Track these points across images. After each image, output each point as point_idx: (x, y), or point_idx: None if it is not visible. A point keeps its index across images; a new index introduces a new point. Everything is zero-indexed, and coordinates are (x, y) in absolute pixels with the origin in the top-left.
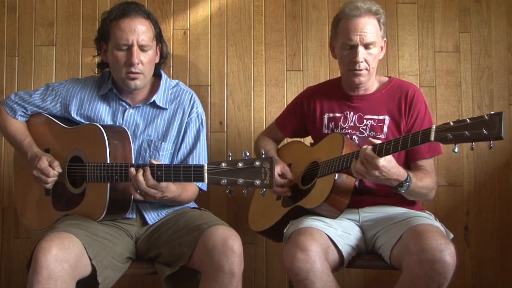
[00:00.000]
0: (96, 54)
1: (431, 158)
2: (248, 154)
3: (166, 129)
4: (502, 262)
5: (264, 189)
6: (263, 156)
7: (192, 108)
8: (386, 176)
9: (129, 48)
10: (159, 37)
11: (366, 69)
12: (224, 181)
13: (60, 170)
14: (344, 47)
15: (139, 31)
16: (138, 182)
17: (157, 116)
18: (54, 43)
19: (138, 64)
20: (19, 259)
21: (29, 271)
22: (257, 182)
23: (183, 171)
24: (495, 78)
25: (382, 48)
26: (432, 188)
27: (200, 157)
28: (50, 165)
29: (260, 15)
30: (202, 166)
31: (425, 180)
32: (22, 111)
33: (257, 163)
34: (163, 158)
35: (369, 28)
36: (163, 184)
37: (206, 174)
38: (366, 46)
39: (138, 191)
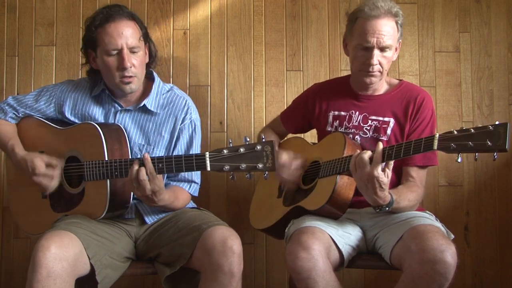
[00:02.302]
0: (84, 62)
1: (425, 168)
2: (248, 139)
3: (157, 134)
4: (502, 262)
5: (267, 173)
6: (263, 140)
7: (185, 114)
8: (372, 190)
9: (120, 52)
10: (146, 37)
11: (379, 71)
12: (227, 167)
13: (62, 164)
14: (359, 47)
15: (127, 34)
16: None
17: (148, 121)
18: (54, 43)
19: (130, 67)
20: (19, 259)
21: (28, 270)
22: (260, 165)
23: (185, 161)
24: (495, 78)
25: (396, 49)
26: (414, 205)
27: None
28: (50, 165)
29: (260, 15)
30: (203, 154)
31: (409, 198)
32: (13, 113)
33: (258, 147)
34: None
35: (387, 31)
36: (160, 185)
37: (208, 162)
38: (382, 49)
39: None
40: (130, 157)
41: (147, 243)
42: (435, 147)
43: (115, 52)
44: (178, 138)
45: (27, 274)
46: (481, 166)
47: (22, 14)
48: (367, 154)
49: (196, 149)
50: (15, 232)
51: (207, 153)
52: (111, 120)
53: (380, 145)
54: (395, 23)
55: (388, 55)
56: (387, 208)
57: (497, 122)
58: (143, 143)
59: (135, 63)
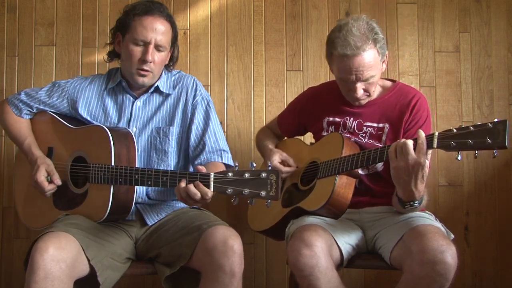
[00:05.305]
0: (108, 42)
1: None
2: (254, 165)
3: (172, 113)
4: (502, 262)
5: (269, 200)
6: (270, 168)
7: (196, 91)
8: (414, 181)
9: (146, 45)
10: (174, 41)
11: (366, 95)
12: (230, 190)
13: (59, 183)
14: (341, 79)
15: (159, 31)
16: (191, 192)
17: (162, 103)
18: (54, 43)
19: (150, 62)
20: (19, 259)
21: (26, 271)
22: (263, 193)
23: (189, 177)
24: (495, 78)
25: (384, 62)
26: (424, 206)
27: (216, 133)
28: (49, 176)
29: (260, 15)
30: (209, 175)
31: (425, 198)
32: (28, 110)
33: (263, 175)
34: (172, 142)
35: (364, 65)
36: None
37: (212, 183)
38: (365, 80)
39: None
40: (136, 164)
41: (147, 243)
42: (435, 145)
43: (142, 43)
44: (193, 114)
45: (25, 276)
46: (481, 166)
47: (22, 14)
48: (410, 141)
49: (215, 121)
50: (15, 232)
51: (212, 173)
52: (127, 113)
53: (422, 133)
54: (374, 51)
55: (374, 81)
56: (417, 204)
57: (496, 119)
58: (160, 125)
59: (156, 60)
